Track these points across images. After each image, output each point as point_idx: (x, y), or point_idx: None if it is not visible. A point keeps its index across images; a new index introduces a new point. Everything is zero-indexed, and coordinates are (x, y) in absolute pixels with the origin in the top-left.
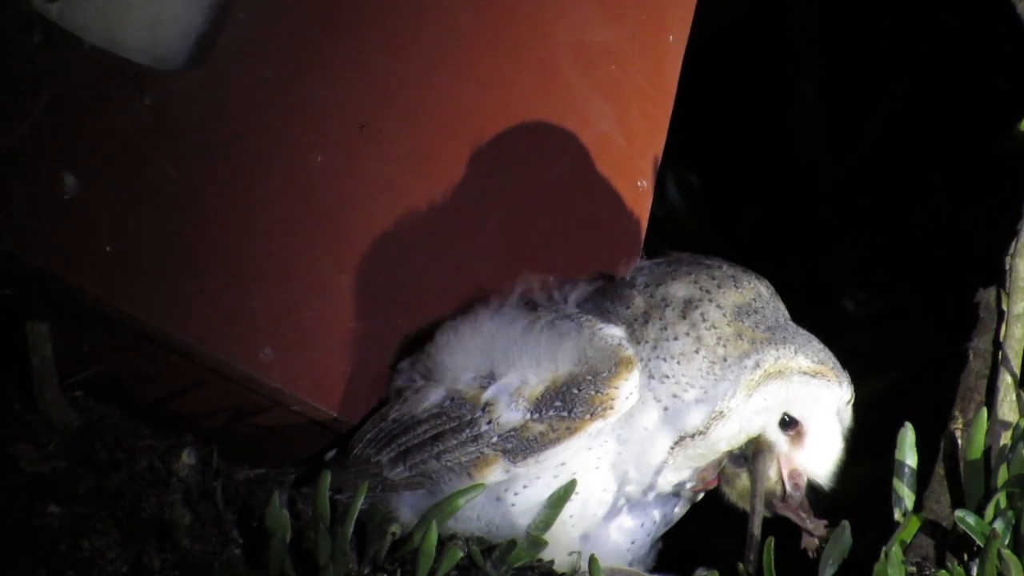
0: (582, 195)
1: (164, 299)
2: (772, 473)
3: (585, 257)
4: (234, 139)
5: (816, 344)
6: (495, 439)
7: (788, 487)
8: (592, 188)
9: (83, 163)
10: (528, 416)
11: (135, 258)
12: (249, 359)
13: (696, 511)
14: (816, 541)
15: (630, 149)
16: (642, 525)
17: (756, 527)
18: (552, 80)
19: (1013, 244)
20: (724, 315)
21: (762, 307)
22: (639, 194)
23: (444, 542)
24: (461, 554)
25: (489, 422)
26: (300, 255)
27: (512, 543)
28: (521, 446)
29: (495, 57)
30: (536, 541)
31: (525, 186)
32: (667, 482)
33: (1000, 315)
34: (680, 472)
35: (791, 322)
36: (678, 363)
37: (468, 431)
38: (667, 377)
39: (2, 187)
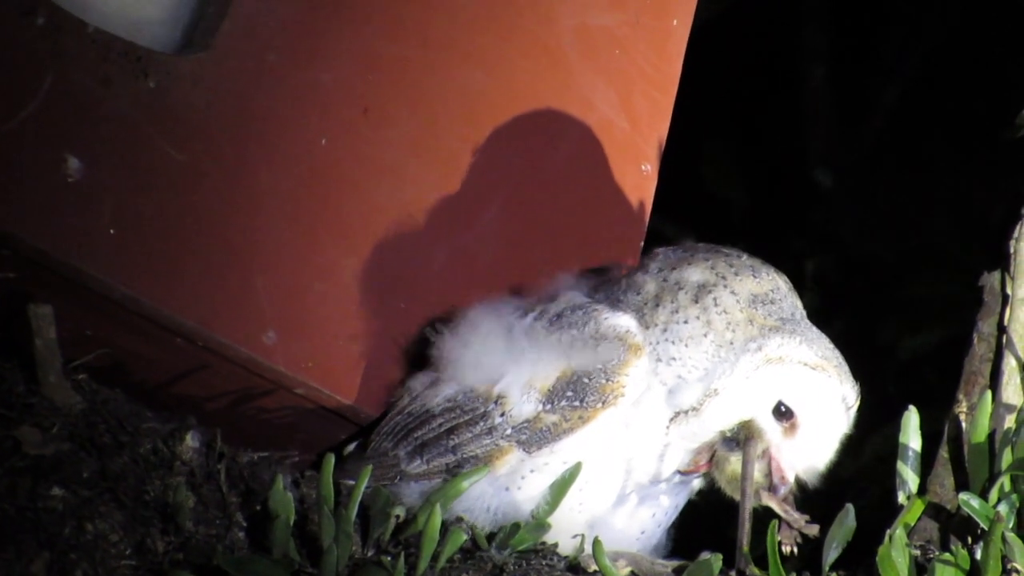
0: (586, 179)
1: (167, 282)
2: (761, 461)
3: (589, 240)
4: (238, 122)
5: (826, 343)
6: (509, 431)
7: (775, 479)
8: (596, 172)
9: (87, 146)
10: (541, 407)
11: (138, 241)
12: (252, 342)
13: (701, 498)
14: (794, 535)
15: (634, 133)
16: (653, 515)
17: (747, 510)
18: (555, 64)
19: (1018, 228)
20: (738, 301)
21: (779, 299)
22: (643, 178)
23: (448, 525)
24: (465, 537)
25: (502, 414)
26: (303, 238)
27: (516, 526)
28: (535, 437)
29: (498, 41)
30: (540, 524)
31: (528, 170)
32: (668, 467)
33: (1005, 299)
34: (676, 454)
35: (807, 320)
36: (686, 346)
37: (482, 424)
38: (674, 359)
39: (6, 169)
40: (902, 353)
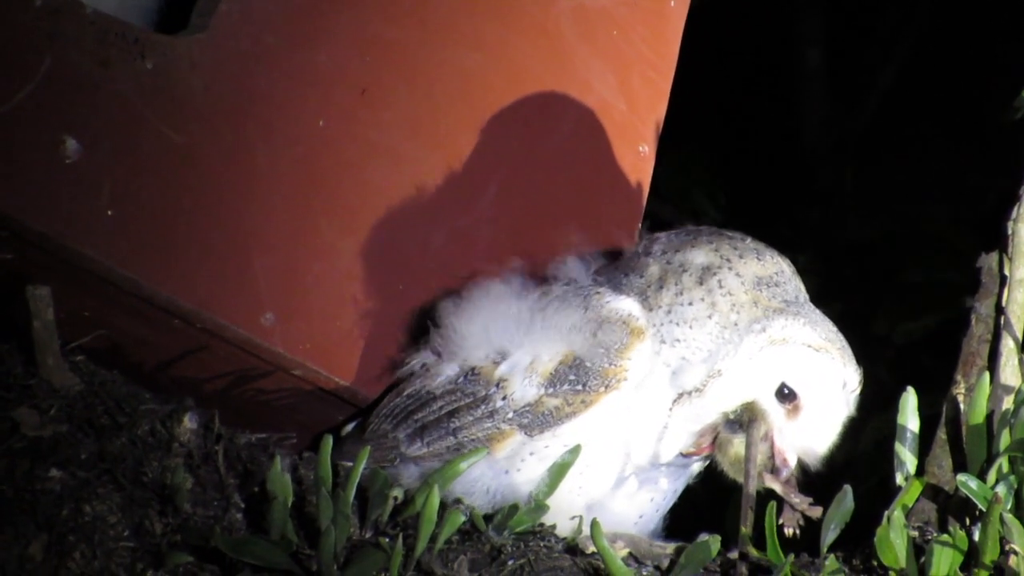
0: (584, 161)
1: (165, 264)
2: (765, 443)
3: (587, 221)
4: (236, 104)
5: (830, 325)
6: (511, 414)
7: (777, 461)
8: (594, 154)
9: (85, 127)
10: (543, 391)
11: (136, 223)
12: (250, 323)
13: (701, 480)
14: (797, 517)
15: (632, 115)
16: (651, 499)
17: (751, 491)
18: (553, 46)
19: (1016, 209)
20: (742, 283)
21: (783, 282)
22: (641, 159)
23: (446, 507)
24: (463, 518)
25: (504, 398)
26: (301, 220)
27: (514, 508)
28: (537, 421)
29: (496, 22)
30: (538, 506)
31: (526, 152)
32: (669, 450)
33: (1002, 280)
34: (679, 437)
35: (810, 303)
36: (690, 327)
37: (483, 407)
38: (678, 341)
39: (4, 151)
40: (896, 338)
